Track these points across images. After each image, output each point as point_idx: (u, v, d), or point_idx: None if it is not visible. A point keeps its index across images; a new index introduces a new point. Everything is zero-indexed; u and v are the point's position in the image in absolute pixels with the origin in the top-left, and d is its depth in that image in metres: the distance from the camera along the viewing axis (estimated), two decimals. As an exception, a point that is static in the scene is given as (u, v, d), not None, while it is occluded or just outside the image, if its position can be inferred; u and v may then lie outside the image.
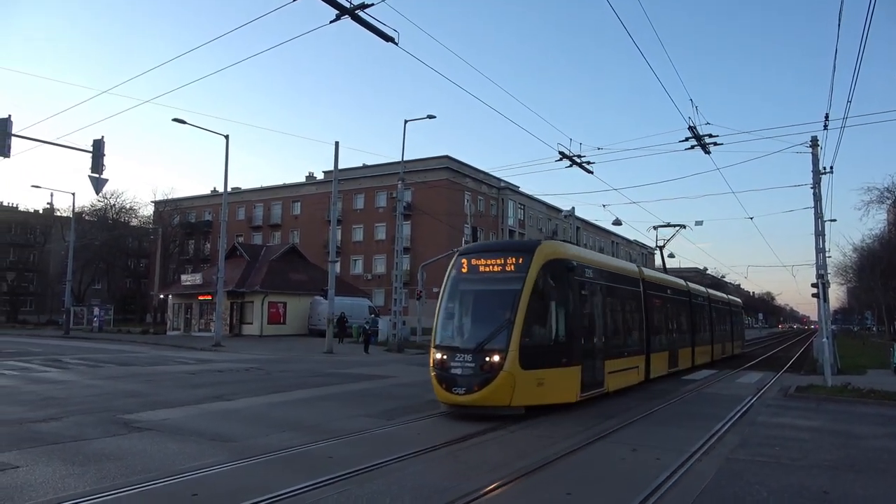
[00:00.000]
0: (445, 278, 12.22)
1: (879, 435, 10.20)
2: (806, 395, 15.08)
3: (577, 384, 11.85)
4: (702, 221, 43.16)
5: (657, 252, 29.91)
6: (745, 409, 12.72)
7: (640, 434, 9.85)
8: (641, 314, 16.79)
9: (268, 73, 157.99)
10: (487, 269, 11.83)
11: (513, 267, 11.52)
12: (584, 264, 13.21)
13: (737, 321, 33.16)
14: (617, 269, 16.01)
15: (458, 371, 10.69)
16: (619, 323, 15.37)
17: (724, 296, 32.67)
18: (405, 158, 31.20)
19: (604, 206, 50.75)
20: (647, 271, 19.38)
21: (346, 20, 9.20)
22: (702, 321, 24.25)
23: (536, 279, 11.22)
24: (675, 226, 28.07)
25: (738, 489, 6.58)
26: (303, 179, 71.15)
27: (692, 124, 15.93)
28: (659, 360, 17.85)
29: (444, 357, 11.01)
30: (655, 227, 28.51)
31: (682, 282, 23.23)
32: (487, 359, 10.54)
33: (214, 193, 72.83)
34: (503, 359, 10.47)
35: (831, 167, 21.63)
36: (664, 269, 27.67)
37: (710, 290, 28.94)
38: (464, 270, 11.97)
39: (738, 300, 37.98)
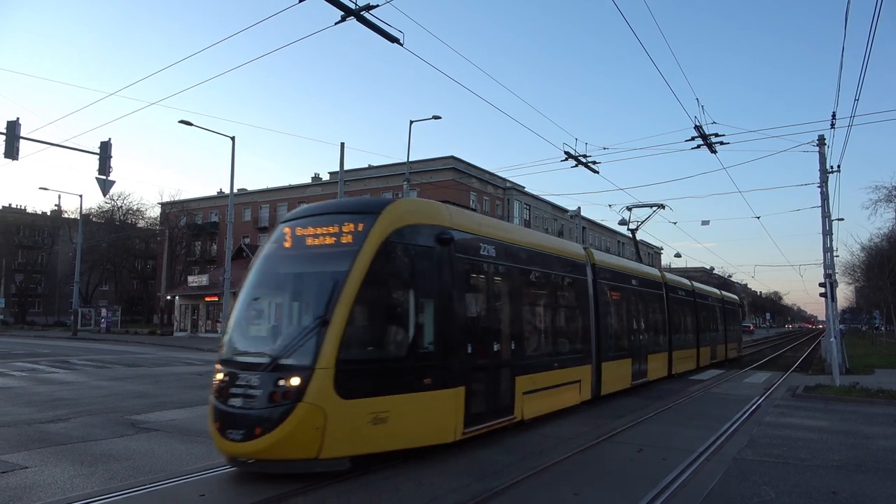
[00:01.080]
0: (254, 256, 8.52)
1: (889, 435, 10.14)
2: (814, 395, 15.01)
3: (455, 415, 7.98)
4: (708, 221, 43.58)
5: (630, 235, 24.62)
6: (752, 409, 12.66)
7: (646, 434, 9.81)
8: (588, 310, 13.05)
9: (273, 74, 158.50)
10: (316, 241, 7.77)
11: (348, 238, 7.56)
12: (476, 236, 9.17)
13: (732, 320, 29.79)
14: (545, 248, 11.81)
15: (238, 403, 6.79)
16: (548, 321, 11.55)
17: (716, 291, 29.20)
18: (411, 159, 31.24)
19: (609, 206, 50.64)
20: (601, 255, 15.16)
21: (352, 21, 9.21)
22: (683, 320, 20.91)
23: (377, 256, 7.34)
24: (651, 205, 22.88)
25: (745, 490, 6.55)
26: (308, 180, 71.23)
27: (698, 123, 15.85)
28: (615, 370, 13.97)
29: (225, 379, 7.13)
30: (629, 208, 23.21)
31: (654, 271, 20.03)
32: (282, 382, 6.59)
33: (220, 195, 73.02)
34: (305, 381, 6.54)
35: (838, 166, 21.47)
36: (637, 256, 24.24)
37: (697, 284, 25.20)
38: (286, 245, 8.02)
39: (735, 297, 34.16)
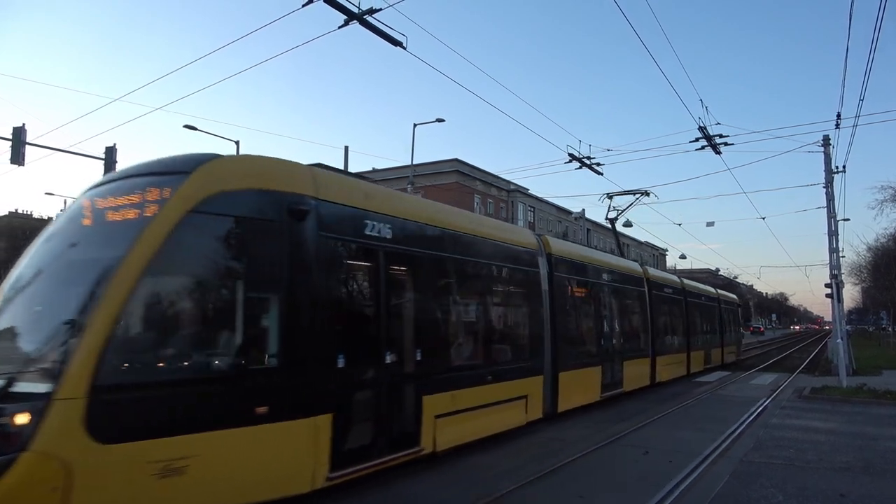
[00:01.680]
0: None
1: (896, 436, 10.08)
2: (821, 396, 14.92)
3: (314, 455, 5.90)
4: (713, 222, 43.02)
5: (609, 225, 21.75)
6: (759, 410, 12.60)
7: (652, 436, 9.77)
8: (541, 310, 10.75)
9: (277, 78, 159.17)
10: (116, 216, 5.65)
11: (152, 208, 5.46)
12: (359, 210, 6.94)
13: (730, 322, 27.40)
14: (474, 232, 9.27)
15: None
16: (479, 324, 9.30)
17: (711, 289, 26.31)
18: (414, 162, 31.24)
19: (614, 208, 50.46)
20: (562, 245, 12.94)
21: (355, 25, 9.23)
22: (670, 321, 18.77)
23: (174, 233, 5.33)
24: (633, 192, 20.01)
25: (752, 492, 6.52)
26: (313, 184, 71.30)
27: (702, 125, 15.83)
28: (578, 381, 11.76)
29: None
30: (609, 196, 20.20)
31: (633, 265, 17.37)
32: (4, 419, 4.55)
33: (225, 199, 73.07)
34: (36, 418, 4.47)
35: (844, 166, 21.43)
36: (618, 249, 21.96)
37: (689, 281, 22.35)
38: (83, 221, 5.85)
39: (733, 296, 31.46)
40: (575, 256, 12.80)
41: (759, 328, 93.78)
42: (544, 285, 10.98)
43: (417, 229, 7.91)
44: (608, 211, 20.57)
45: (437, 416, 7.64)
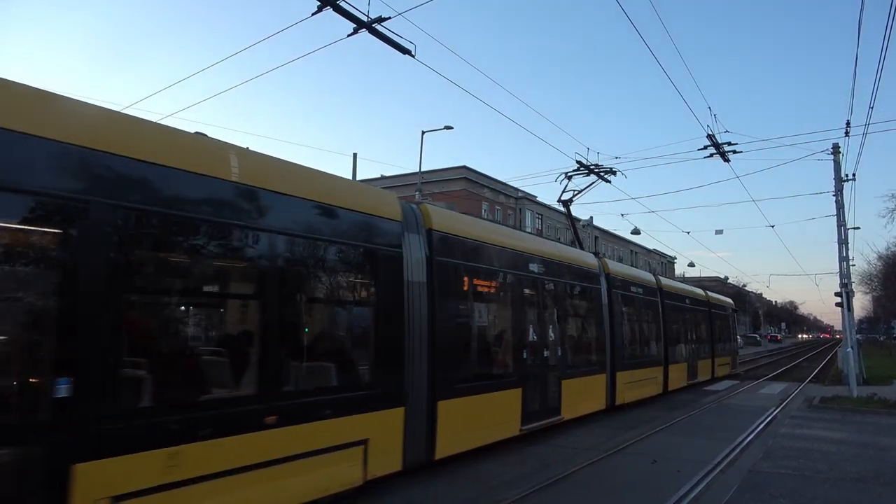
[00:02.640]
0: None
1: (907, 447, 9.98)
2: (831, 406, 14.82)
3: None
4: (722, 230, 42.59)
5: (564, 209, 17.25)
6: (768, 420, 12.53)
7: (660, 446, 9.72)
8: (401, 316, 7.30)
9: (286, 86, 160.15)
10: None
11: None
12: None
13: (722, 330, 24.19)
14: (323, 196, 6.51)
15: None
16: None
17: (699, 291, 22.70)
18: (423, 169, 31.35)
19: (622, 215, 50.52)
20: (445, 216, 8.70)
21: (364, 34, 9.28)
22: (638, 329, 15.56)
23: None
24: (596, 171, 15.70)
25: (761, 503, 6.48)
26: (321, 191, 71.61)
27: (711, 132, 15.79)
28: (469, 413, 8.25)
29: None
30: (568, 176, 15.85)
31: (576, 252, 13.40)
32: None
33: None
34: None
35: (853, 174, 21.34)
36: (575, 239, 17.04)
37: (667, 280, 19.54)
38: None
39: (728, 300, 27.51)
40: (462, 233, 8.82)
41: (777, 336, 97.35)
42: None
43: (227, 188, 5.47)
44: (562, 192, 16.19)
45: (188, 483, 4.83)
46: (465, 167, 61.37)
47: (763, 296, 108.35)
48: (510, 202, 66.23)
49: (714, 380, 21.50)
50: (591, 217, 42.02)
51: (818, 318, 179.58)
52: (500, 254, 9.64)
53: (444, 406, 7.65)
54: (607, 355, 12.96)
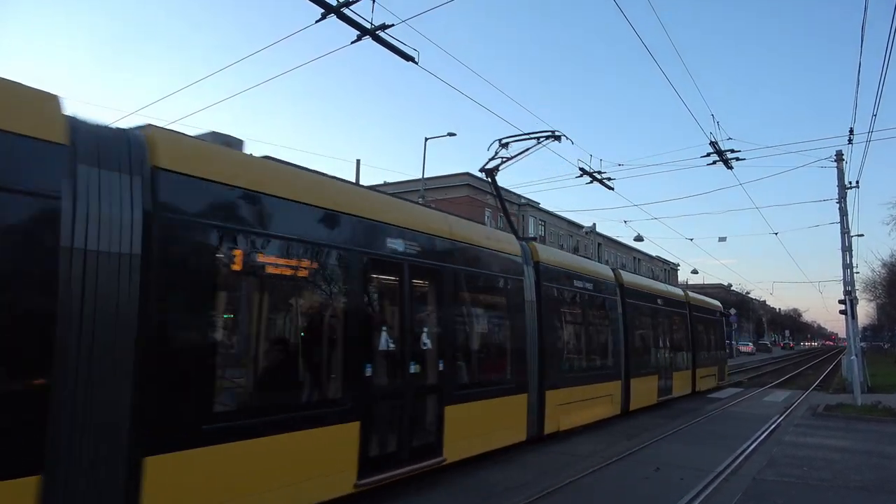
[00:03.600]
0: None
1: (912, 455, 9.92)
2: (835, 413, 14.75)
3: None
4: (725, 238, 42.49)
5: (489, 179, 13.04)
6: (772, 427, 12.47)
7: (663, 453, 9.68)
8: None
9: (290, 93, 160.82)
10: None
11: None
12: None
13: (708, 336, 21.32)
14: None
15: None
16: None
17: (678, 291, 20.14)
18: (426, 175, 31.40)
19: (625, 221, 50.54)
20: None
21: (367, 40, 9.32)
22: (587, 335, 12.61)
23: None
24: (536, 136, 12.51)
25: (765, 511, 6.44)
26: (324, 197, 71.64)
27: (714, 139, 15.78)
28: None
29: None
30: (502, 143, 12.69)
31: (510, 239, 10.47)
32: None
33: (238, 211, 73.56)
34: None
35: (857, 181, 21.31)
36: (508, 223, 14.35)
37: (630, 275, 16.39)
38: None
39: (716, 302, 24.14)
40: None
41: (790, 344, 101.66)
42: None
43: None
44: (488, 160, 12.79)
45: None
46: (468, 174, 61.41)
47: (766, 303, 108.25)
48: (513, 208, 66.31)
49: (695, 394, 18.69)
50: (594, 224, 42.06)
51: (822, 325, 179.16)
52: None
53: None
54: (536, 370, 10.10)
